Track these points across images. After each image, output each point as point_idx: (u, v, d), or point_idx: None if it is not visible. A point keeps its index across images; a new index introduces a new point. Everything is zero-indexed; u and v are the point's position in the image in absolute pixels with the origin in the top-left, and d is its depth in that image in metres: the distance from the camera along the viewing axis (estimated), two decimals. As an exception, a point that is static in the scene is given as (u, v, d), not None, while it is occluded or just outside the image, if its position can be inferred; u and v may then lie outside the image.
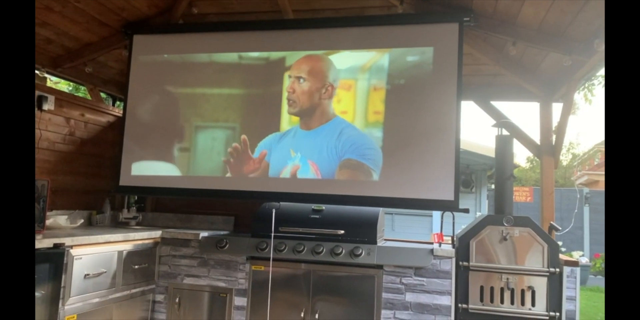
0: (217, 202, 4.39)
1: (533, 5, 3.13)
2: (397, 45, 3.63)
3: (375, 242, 3.30)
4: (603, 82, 7.33)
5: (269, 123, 3.80)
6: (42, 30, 3.81)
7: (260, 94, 3.86)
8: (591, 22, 3.02)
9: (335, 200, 3.56)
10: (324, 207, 3.54)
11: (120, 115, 4.44)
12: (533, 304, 3.05)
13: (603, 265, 9.46)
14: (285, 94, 3.80)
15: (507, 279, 3.09)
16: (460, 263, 3.16)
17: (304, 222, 3.45)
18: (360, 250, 3.22)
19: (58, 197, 3.97)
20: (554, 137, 3.95)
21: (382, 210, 3.55)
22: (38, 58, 4.04)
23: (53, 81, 6.20)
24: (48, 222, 3.45)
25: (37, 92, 3.78)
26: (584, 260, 9.15)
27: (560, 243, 3.69)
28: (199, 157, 3.92)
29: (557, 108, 4.00)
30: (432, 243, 3.59)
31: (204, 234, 3.64)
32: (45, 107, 3.83)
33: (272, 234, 3.40)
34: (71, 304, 2.90)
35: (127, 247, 3.37)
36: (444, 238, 3.54)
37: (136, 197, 4.59)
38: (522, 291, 3.07)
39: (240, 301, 3.47)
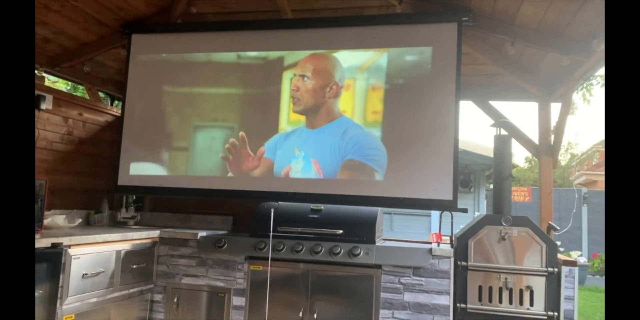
0: (215, 202, 4.38)
1: (532, 5, 3.14)
2: (395, 45, 3.63)
3: (373, 242, 3.30)
4: (602, 82, 7.34)
5: (268, 122, 3.80)
6: (41, 30, 3.81)
7: (259, 93, 3.86)
8: (589, 22, 3.02)
9: (335, 200, 3.56)
10: (322, 207, 3.54)
11: (119, 114, 4.43)
12: (531, 304, 3.05)
13: (601, 265, 9.48)
14: (284, 93, 3.80)
15: (506, 278, 3.09)
16: (459, 263, 3.16)
17: (302, 221, 3.44)
18: (359, 250, 3.22)
19: (56, 197, 3.96)
20: (552, 137, 3.95)
21: (380, 210, 3.55)
22: (36, 57, 4.02)
23: (51, 80, 6.18)
24: (46, 221, 3.44)
25: (35, 92, 3.77)
26: (582, 260, 9.14)
27: (558, 243, 3.69)
28: (197, 156, 3.91)
29: (555, 108, 4.01)
30: (430, 243, 3.59)
31: (202, 233, 3.63)
32: (43, 106, 3.82)
33: (271, 234, 3.40)
34: (69, 304, 2.90)
35: (125, 246, 3.36)
36: (443, 238, 3.54)
37: (134, 197, 4.59)
38: (521, 291, 3.07)
39: (238, 301, 3.47)
